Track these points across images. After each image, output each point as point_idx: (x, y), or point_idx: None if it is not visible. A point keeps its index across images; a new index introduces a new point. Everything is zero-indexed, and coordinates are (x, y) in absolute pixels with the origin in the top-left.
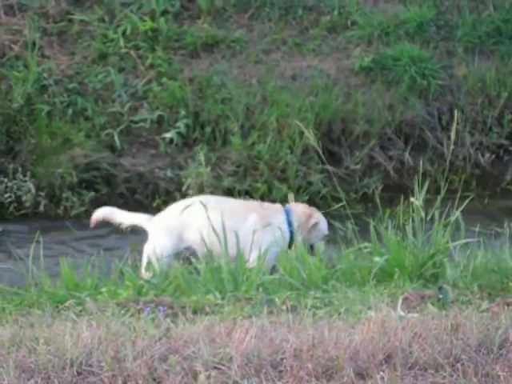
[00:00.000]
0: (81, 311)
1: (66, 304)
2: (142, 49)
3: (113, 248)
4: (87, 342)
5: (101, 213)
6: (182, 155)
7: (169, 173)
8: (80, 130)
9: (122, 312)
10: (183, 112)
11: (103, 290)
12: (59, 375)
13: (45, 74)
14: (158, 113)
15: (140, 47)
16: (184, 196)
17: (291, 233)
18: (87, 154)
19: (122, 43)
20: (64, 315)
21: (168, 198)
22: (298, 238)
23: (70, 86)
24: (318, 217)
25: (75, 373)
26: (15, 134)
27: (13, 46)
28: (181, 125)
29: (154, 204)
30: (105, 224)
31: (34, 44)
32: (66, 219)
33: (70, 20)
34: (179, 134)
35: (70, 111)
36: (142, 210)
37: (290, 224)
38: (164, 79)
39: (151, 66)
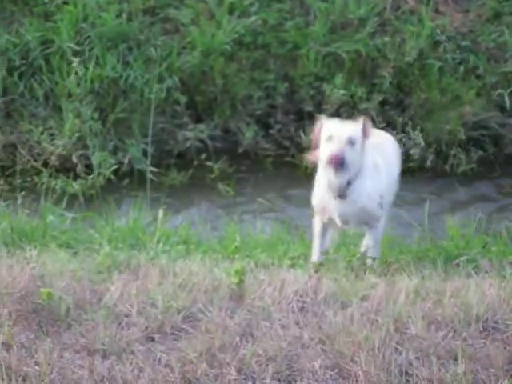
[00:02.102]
0: (473, 268)
1: (458, 261)
2: None
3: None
4: (492, 300)
5: None
6: None
7: None
8: (471, 87)
9: None
10: None
11: (493, 249)
12: (466, 329)
13: (438, 30)
14: None
15: None
16: None
17: None
18: (476, 113)
19: None
20: (455, 271)
21: None
22: None
23: (463, 43)
24: None
25: (481, 328)
26: (406, 87)
27: (408, 0)
28: None
29: None
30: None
31: None
32: (452, 176)
33: None
34: None
35: (461, 68)
36: None
37: None
38: None
39: None
